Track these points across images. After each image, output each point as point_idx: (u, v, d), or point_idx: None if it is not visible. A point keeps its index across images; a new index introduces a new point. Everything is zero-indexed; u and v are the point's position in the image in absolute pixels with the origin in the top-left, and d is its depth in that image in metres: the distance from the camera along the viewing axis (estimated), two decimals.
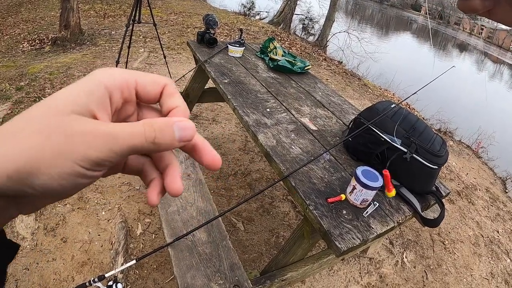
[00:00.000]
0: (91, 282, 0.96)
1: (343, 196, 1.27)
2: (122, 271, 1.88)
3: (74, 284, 1.76)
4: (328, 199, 1.24)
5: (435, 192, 1.57)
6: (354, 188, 1.25)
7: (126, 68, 3.90)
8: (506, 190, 4.06)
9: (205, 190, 1.70)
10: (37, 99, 3.11)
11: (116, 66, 3.29)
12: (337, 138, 1.69)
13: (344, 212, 1.22)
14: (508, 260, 2.78)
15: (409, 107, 5.24)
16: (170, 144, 0.28)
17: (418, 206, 1.46)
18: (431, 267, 2.41)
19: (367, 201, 1.28)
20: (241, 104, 1.75)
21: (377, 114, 1.56)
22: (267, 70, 2.34)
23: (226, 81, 2.01)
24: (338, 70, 5.78)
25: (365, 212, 1.26)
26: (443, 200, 1.58)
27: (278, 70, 2.35)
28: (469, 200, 3.45)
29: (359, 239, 1.13)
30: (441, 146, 1.55)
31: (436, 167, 1.51)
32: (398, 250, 2.43)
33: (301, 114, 1.81)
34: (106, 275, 1.00)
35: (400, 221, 1.33)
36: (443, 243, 2.68)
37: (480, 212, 3.33)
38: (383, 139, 1.50)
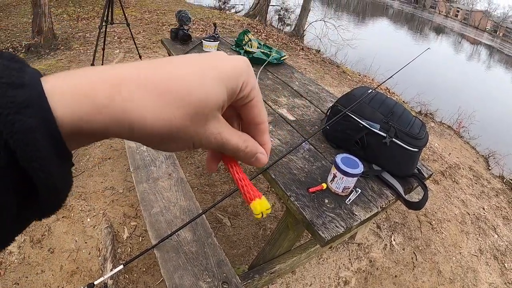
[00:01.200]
0: None
1: (324, 185, 1.26)
2: (112, 277, 1.84)
3: None
4: (309, 189, 1.23)
5: (417, 174, 1.57)
6: (334, 176, 1.24)
7: None
8: (489, 168, 4.13)
9: (187, 188, 1.67)
10: None
11: None
12: (316, 127, 1.68)
13: (326, 201, 1.20)
14: (496, 236, 2.83)
15: (388, 92, 5.27)
16: (246, 160, 0.32)
17: (401, 189, 1.46)
18: (420, 248, 2.43)
19: (349, 188, 1.26)
20: None
21: (354, 101, 1.54)
22: None
23: None
24: (316, 59, 5.76)
25: (347, 200, 1.25)
26: (427, 182, 1.58)
27: (254, 62, 2.31)
28: (453, 179, 3.49)
29: (343, 227, 1.11)
30: (421, 129, 1.54)
31: (417, 149, 1.51)
32: (386, 234, 2.45)
33: (278, 105, 1.79)
34: (95, 282, 0.96)
35: (384, 206, 1.32)
36: (430, 224, 2.71)
37: (465, 190, 3.38)
38: (361, 125, 1.49)
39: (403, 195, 1.45)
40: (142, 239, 2.04)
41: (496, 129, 5.42)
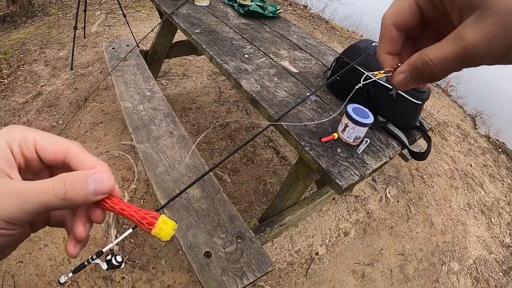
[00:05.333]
0: (89, 260, 0.93)
1: (335, 135, 1.26)
2: (117, 243, 1.85)
3: (72, 266, 1.71)
4: (322, 139, 1.23)
5: (420, 126, 1.60)
6: (346, 126, 1.24)
7: (84, 33, 3.65)
8: (476, 127, 4.24)
9: (190, 145, 1.65)
10: None
11: (74, 32, 3.05)
12: (319, 79, 1.66)
13: (339, 150, 1.22)
14: (483, 192, 2.96)
15: None
16: (84, 199, 0.27)
17: (405, 140, 1.48)
18: (413, 201, 2.53)
19: (360, 138, 1.28)
20: (217, 53, 1.66)
21: (359, 53, 1.52)
22: (238, 16, 2.23)
23: (198, 31, 1.89)
24: (304, 14, 5.63)
25: (358, 149, 1.27)
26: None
27: (249, 15, 2.24)
28: (442, 136, 3.58)
29: (357, 175, 1.14)
30: None
31: (420, 102, 1.52)
32: (381, 186, 2.52)
33: (280, 58, 1.75)
34: (104, 250, 0.96)
35: (391, 156, 1.35)
36: (422, 178, 2.80)
37: (453, 147, 3.48)
38: (368, 77, 1.48)
39: (408, 146, 1.48)
40: (143, 202, 2.05)
41: (483, 90, 5.50)
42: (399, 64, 0.30)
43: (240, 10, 2.24)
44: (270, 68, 1.62)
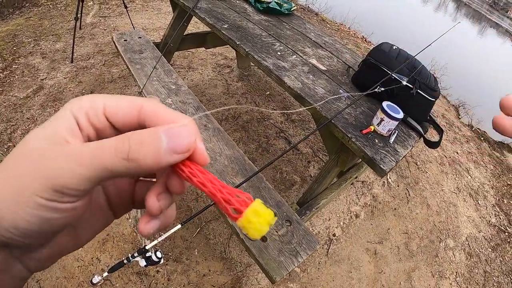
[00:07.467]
0: (130, 258, 0.87)
1: (372, 128, 1.51)
2: (148, 238, 1.84)
3: (102, 265, 1.75)
4: (362, 131, 1.48)
5: (432, 120, 1.89)
6: (382, 120, 1.49)
7: (80, 25, 3.61)
8: (459, 116, 4.64)
9: (227, 137, 1.81)
10: None
11: (75, 23, 3.07)
12: (345, 76, 1.90)
13: (376, 140, 1.47)
14: (469, 177, 3.33)
15: (365, 41, 5.52)
16: (154, 160, 0.23)
17: (422, 131, 1.76)
18: (411, 185, 2.85)
19: (391, 130, 1.53)
20: (252, 49, 1.85)
21: (384, 55, 1.79)
22: (256, 12, 2.41)
23: (226, 26, 2.06)
24: (296, 7, 5.84)
25: (390, 139, 1.52)
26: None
27: (267, 12, 2.43)
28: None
29: (394, 161, 1.40)
30: (435, 82, 1.85)
31: (434, 99, 1.81)
32: None
33: (307, 56, 1.97)
34: (147, 247, 0.91)
35: (413, 145, 1.61)
36: (416, 164, 3.13)
37: None
38: (393, 78, 1.74)
39: (424, 136, 1.76)
40: None
41: (466, 82, 5.87)
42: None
43: (259, 7, 2.42)
44: (303, 66, 1.84)
